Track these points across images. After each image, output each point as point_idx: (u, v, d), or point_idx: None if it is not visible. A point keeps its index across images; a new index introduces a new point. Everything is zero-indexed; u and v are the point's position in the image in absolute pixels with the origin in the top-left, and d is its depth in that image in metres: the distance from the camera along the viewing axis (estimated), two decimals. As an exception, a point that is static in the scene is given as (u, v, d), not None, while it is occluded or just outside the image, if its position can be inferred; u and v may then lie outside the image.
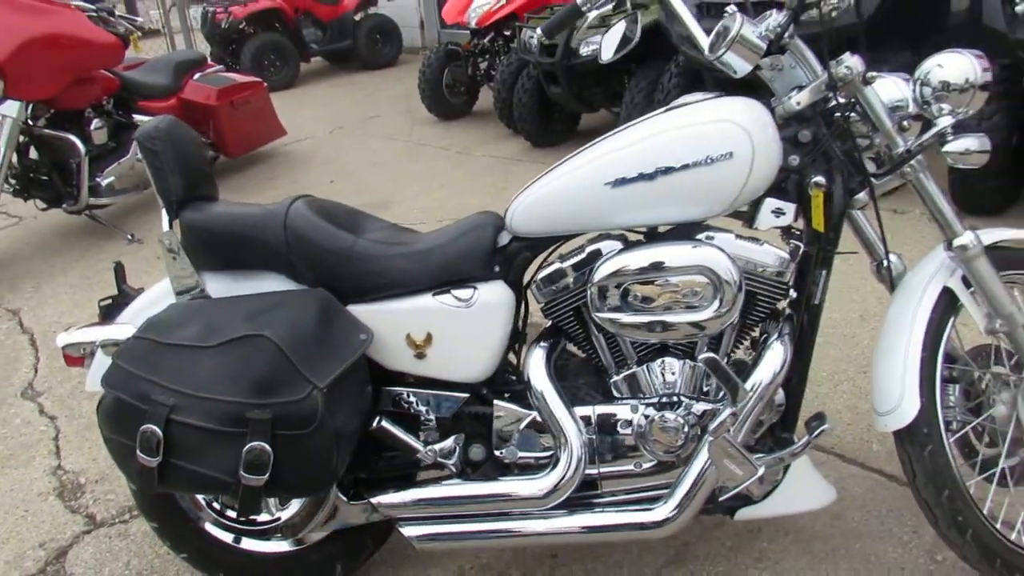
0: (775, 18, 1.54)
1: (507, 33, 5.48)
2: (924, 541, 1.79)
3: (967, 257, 1.53)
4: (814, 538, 1.84)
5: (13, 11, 3.54)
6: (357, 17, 8.22)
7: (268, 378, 1.40)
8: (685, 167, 1.44)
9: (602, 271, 1.49)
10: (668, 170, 1.45)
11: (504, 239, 1.61)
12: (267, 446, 1.39)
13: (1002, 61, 3.04)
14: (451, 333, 1.57)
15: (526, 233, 1.58)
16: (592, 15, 1.82)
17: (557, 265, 1.58)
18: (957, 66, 1.48)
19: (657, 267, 1.46)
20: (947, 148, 1.49)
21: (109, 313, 1.73)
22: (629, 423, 1.57)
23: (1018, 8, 2.82)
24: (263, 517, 1.70)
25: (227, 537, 1.76)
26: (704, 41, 1.58)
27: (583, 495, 1.60)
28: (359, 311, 1.56)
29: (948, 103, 1.48)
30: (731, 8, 1.55)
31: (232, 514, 1.72)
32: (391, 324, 1.57)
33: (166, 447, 1.42)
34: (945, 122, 1.48)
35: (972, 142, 1.48)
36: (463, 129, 5.72)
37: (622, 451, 1.59)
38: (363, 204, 4.09)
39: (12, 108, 3.66)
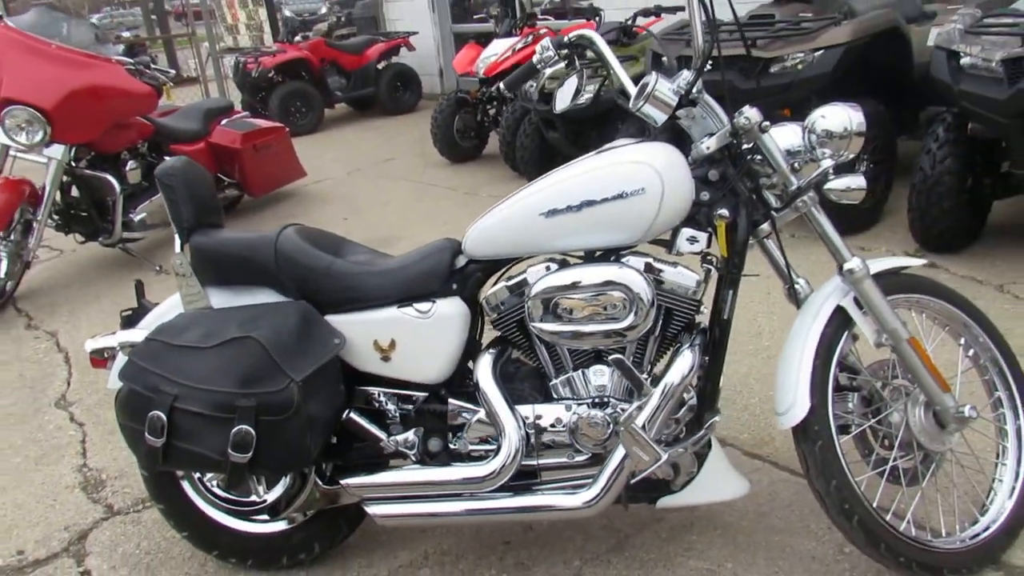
0: (685, 76, 1.81)
1: (512, 83, 5.84)
2: (836, 536, 1.99)
3: (854, 279, 1.77)
4: (739, 532, 2.06)
5: (61, 64, 3.95)
6: (380, 66, 8.69)
7: (253, 372, 1.69)
8: (605, 200, 1.72)
9: (537, 288, 1.76)
10: (591, 203, 1.73)
11: (461, 261, 1.89)
12: (251, 429, 1.68)
13: (951, 110, 3.30)
14: (412, 340, 1.85)
15: (479, 256, 1.86)
16: (548, 71, 2.10)
17: (503, 284, 1.85)
18: (837, 117, 1.75)
19: (581, 285, 1.73)
20: (828, 186, 1.75)
21: (129, 322, 2.03)
22: (563, 421, 1.83)
23: (963, 61, 3.08)
24: (252, 498, 1.97)
25: (222, 518, 2.03)
26: (632, 94, 1.86)
27: (526, 483, 1.86)
28: (335, 320, 1.85)
29: (830, 148, 1.75)
30: (651, 73, 1.82)
31: (227, 495, 2.00)
32: (361, 331, 1.85)
33: (169, 430, 1.71)
34: (827, 164, 1.75)
35: (850, 181, 1.75)
36: (471, 171, 6.07)
37: (558, 445, 1.84)
38: (373, 239, 4.44)
39: (57, 151, 4.07)
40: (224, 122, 5.20)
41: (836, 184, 1.75)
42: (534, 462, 1.85)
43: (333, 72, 8.56)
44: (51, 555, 2.24)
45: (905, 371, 1.85)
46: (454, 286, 1.87)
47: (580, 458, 1.85)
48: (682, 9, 4.92)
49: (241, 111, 5.62)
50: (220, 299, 1.94)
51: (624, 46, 4.90)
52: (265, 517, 1.99)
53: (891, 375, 1.92)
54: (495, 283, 1.90)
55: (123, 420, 1.79)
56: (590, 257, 1.83)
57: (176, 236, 1.97)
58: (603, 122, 4.69)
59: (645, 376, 1.82)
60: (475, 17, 8.80)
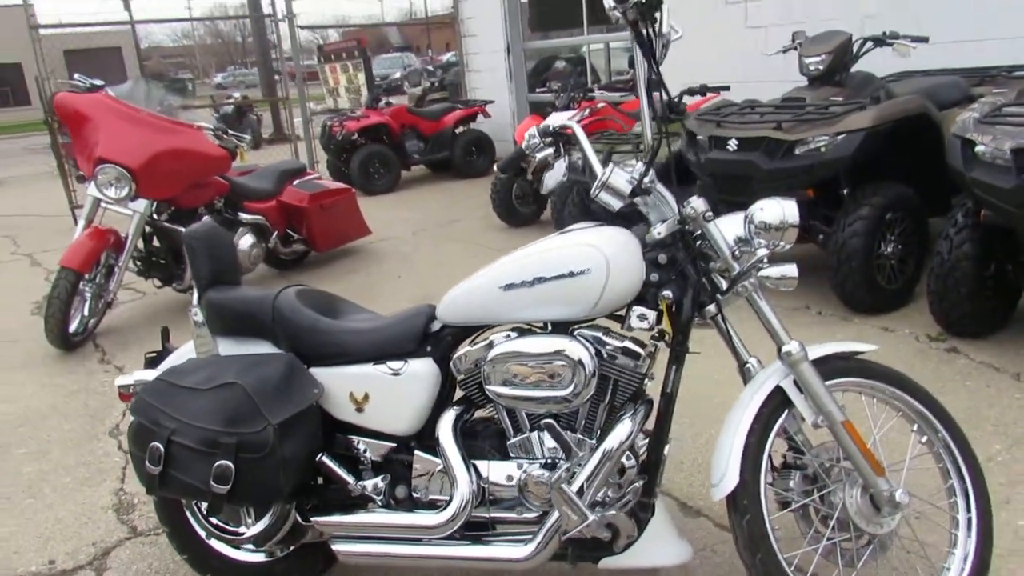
0: (638, 167, 1.98)
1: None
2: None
3: (791, 361, 1.88)
4: (690, 598, 2.14)
5: (148, 129, 4.46)
6: (457, 131, 9.15)
7: (237, 414, 1.92)
8: (554, 278, 1.90)
9: (492, 353, 1.94)
10: (542, 279, 1.91)
11: (437, 326, 2.10)
12: (231, 464, 1.90)
13: (967, 198, 3.32)
14: (383, 395, 2.05)
15: (450, 322, 2.06)
16: (539, 156, 2.30)
17: (467, 348, 2.04)
18: (772, 210, 1.88)
19: (530, 353, 1.90)
20: (762, 273, 1.88)
21: (152, 363, 2.32)
22: (513, 478, 1.98)
23: (976, 149, 3.12)
24: (241, 530, 2.19)
25: (217, 545, 2.26)
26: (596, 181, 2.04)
27: (479, 533, 2.01)
28: (317, 372, 2.08)
29: (765, 238, 1.88)
30: (609, 164, 2.00)
31: (222, 525, 2.23)
32: (339, 384, 2.07)
33: (165, 460, 1.96)
34: (761, 252, 1.88)
35: (783, 270, 1.88)
36: (526, 236, 6.31)
37: (508, 500, 2.00)
38: (421, 297, 4.71)
39: (141, 205, 4.55)
40: (296, 183, 5.64)
41: (770, 272, 1.88)
42: (486, 515, 2.01)
43: (412, 136, 9.07)
44: (76, 567, 2.52)
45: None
46: (428, 348, 2.07)
47: (529, 515, 1.99)
48: (727, 88, 5.10)
49: (313, 173, 6.07)
50: (227, 347, 2.20)
51: (669, 122, 5.07)
52: (251, 547, 2.21)
53: (838, 456, 1.99)
54: (464, 347, 2.09)
55: (132, 448, 2.05)
56: (545, 328, 2.00)
57: (195, 290, 2.26)
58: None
59: (594, 442, 1.95)
60: (538, 90, 9.21)
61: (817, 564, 1.91)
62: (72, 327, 4.40)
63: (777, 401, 1.91)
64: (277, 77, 15.47)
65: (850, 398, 2.04)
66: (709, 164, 4.06)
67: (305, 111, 9.10)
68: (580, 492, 1.89)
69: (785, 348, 1.88)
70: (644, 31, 1.84)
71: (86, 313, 4.51)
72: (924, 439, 2.05)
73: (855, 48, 4.33)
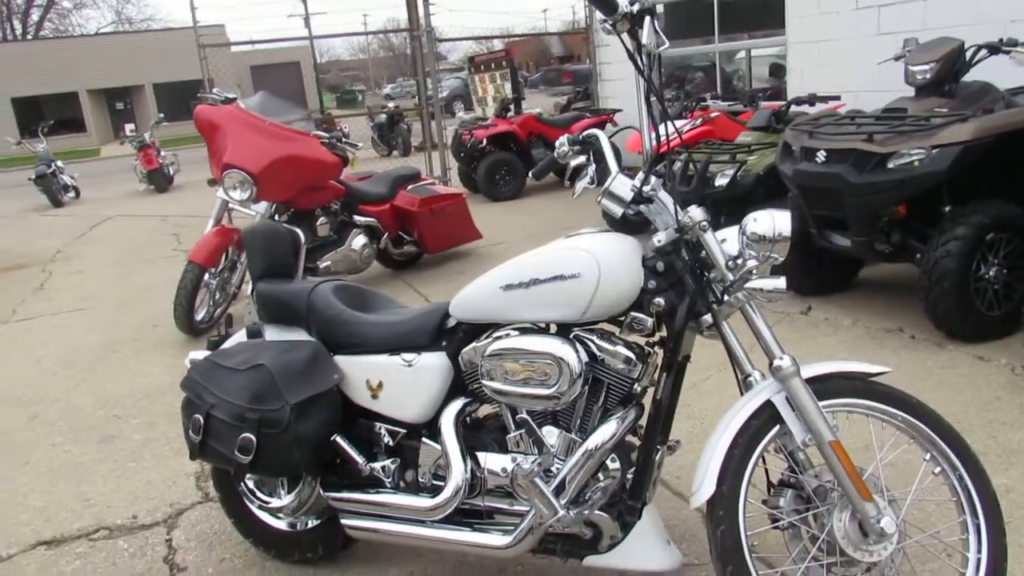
0: (639, 176, 2.02)
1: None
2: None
3: (782, 376, 1.85)
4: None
5: (270, 137, 4.89)
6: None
7: (261, 393, 2.14)
8: (547, 280, 1.97)
9: (488, 350, 2.04)
10: (536, 281, 1.99)
11: (451, 322, 2.23)
12: (253, 437, 2.12)
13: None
14: (396, 384, 2.20)
15: (461, 319, 2.18)
16: (572, 163, 2.38)
17: (474, 344, 2.15)
18: (765, 222, 1.87)
19: (521, 351, 1.99)
20: (749, 285, 1.86)
21: (215, 346, 2.60)
22: (506, 470, 2.07)
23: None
24: (274, 502, 2.41)
25: (258, 512, 2.50)
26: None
27: (473, 520, 2.12)
28: (340, 360, 2.27)
29: (756, 249, 1.87)
30: (616, 172, 2.05)
31: (263, 496, 2.46)
32: (357, 371, 2.24)
33: (204, 430, 2.21)
34: (751, 264, 1.86)
35: (771, 283, 1.85)
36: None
37: (502, 491, 2.08)
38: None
39: (262, 207, 5.00)
40: (409, 188, 5.96)
41: (757, 284, 1.86)
42: (482, 503, 2.11)
43: (539, 144, 9.25)
44: (153, 523, 2.86)
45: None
46: (443, 343, 2.21)
47: (520, 507, 2.07)
48: (837, 98, 4.90)
49: (427, 178, 6.37)
50: (271, 333, 2.43)
51: (775, 132, 4.94)
52: (282, 516, 2.43)
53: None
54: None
55: (183, 419, 2.33)
56: (547, 329, 2.07)
57: (251, 283, 2.52)
58: (738, 204, 4.75)
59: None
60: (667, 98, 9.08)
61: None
62: (199, 316, 4.89)
63: (767, 416, 1.88)
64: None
65: (859, 421, 1.98)
66: (797, 176, 3.93)
67: (439, 121, 9.51)
68: (562, 487, 1.95)
69: (776, 363, 1.86)
70: (636, 42, 1.89)
71: (211, 304, 5.00)
72: (938, 470, 1.94)
73: (968, 56, 4.03)
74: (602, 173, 2.19)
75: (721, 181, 4.73)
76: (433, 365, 2.18)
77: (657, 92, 1.94)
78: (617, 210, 2.02)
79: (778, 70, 8.02)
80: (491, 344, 2.04)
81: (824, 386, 1.90)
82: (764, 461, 2.05)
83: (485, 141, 8.87)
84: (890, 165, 3.57)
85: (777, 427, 1.88)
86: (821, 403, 1.86)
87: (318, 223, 5.36)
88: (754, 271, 1.86)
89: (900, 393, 1.95)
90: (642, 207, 2.04)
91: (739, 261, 1.88)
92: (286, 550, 2.48)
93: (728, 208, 4.83)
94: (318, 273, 5.36)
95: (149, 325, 5.44)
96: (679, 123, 6.10)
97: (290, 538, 2.46)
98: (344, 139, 5.45)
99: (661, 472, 2.13)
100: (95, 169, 19.98)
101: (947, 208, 3.64)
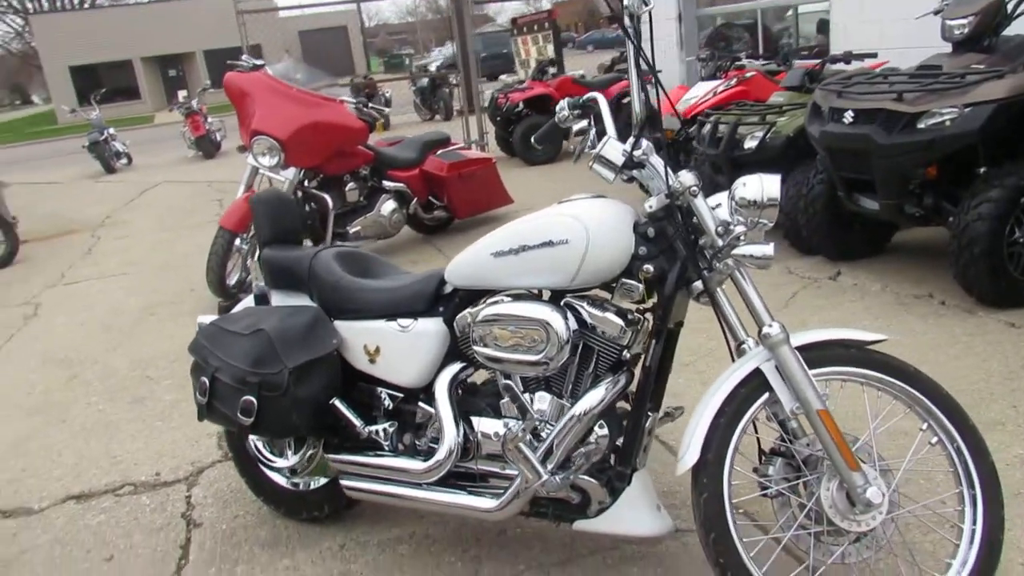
0: (629, 141, 1.98)
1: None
2: None
3: (770, 344, 1.82)
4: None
5: (297, 104, 4.93)
6: (624, 101, 9.09)
7: (261, 357, 2.19)
8: (536, 247, 1.96)
9: (479, 316, 2.05)
10: (525, 248, 1.98)
11: (448, 288, 2.24)
12: (254, 400, 2.18)
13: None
14: (393, 349, 2.23)
15: (456, 285, 2.19)
16: (575, 127, 2.34)
17: (467, 310, 2.16)
18: (754, 186, 1.83)
19: (510, 317, 1.99)
20: (735, 252, 1.82)
21: (225, 311, 2.66)
22: (498, 435, 2.09)
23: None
24: (280, 461, 2.48)
25: (269, 472, 2.58)
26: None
27: (465, 483, 2.15)
28: (339, 325, 2.30)
29: (744, 215, 1.83)
30: (606, 136, 2.02)
31: (270, 455, 2.53)
32: (355, 336, 2.28)
33: (210, 392, 2.28)
34: (739, 230, 1.82)
35: (756, 250, 1.81)
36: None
37: (494, 456, 2.11)
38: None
39: (290, 173, 5.06)
40: (439, 152, 5.95)
41: (743, 251, 1.82)
42: (475, 467, 2.14)
43: (577, 107, 9.11)
44: (175, 480, 2.97)
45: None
46: (440, 308, 2.22)
47: (511, 471, 2.09)
48: (874, 56, 4.71)
49: (457, 143, 6.36)
50: (277, 299, 2.48)
51: (808, 92, 4.78)
52: (287, 476, 2.50)
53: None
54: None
55: (192, 381, 2.40)
56: (540, 295, 2.07)
57: (258, 250, 2.56)
58: (768, 167, 4.62)
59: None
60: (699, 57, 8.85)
61: (787, 559, 1.85)
62: (231, 281, 5.00)
63: (756, 384, 1.86)
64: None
65: (855, 390, 1.94)
66: (824, 137, 3.81)
67: (476, 84, 9.45)
68: (550, 452, 1.97)
69: (764, 330, 1.83)
70: (619, 2, 1.85)
71: (243, 269, 5.10)
72: (935, 440, 1.90)
73: (1009, 8, 3.82)
74: (601, 137, 2.15)
75: (750, 144, 4.61)
76: (429, 331, 2.20)
77: (645, 56, 1.89)
78: (609, 175, 1.99)
79: (825, 27, 7.73)
80: (483, 310, 2.05)
81: (818, 354, 1.87)
82: (756, 429, 2.03)
83: (521, 104, 8.79)
84: (920, 125, 3.43)
85: (766, 395, 1.86)
86: (814, 371, 1.84)
87: (347, 188, 5.41)
88: (742, 237, 1.83)
89: (897, 361, 1.90)
90: (634, 172, 2.00)
91: (730, 227, 1.84)
92: (294, 508, 2.56)
93: (757, 170, 4.71)
94: (347, 238, 5.43)
95: (187, 289, 5.59)
96: (713, 84, 5.96)
97: (297, 497, 2.53)
98: (386, 104, 5.47)
99: (655, 438, 2.12)
100: (148, 136, 20.47)
101: (981, 170, 3.49)
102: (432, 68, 17.25)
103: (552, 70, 10.10)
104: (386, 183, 5.65)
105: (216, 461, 3.07)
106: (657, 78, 1.94)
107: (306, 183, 5.26)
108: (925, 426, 1.90)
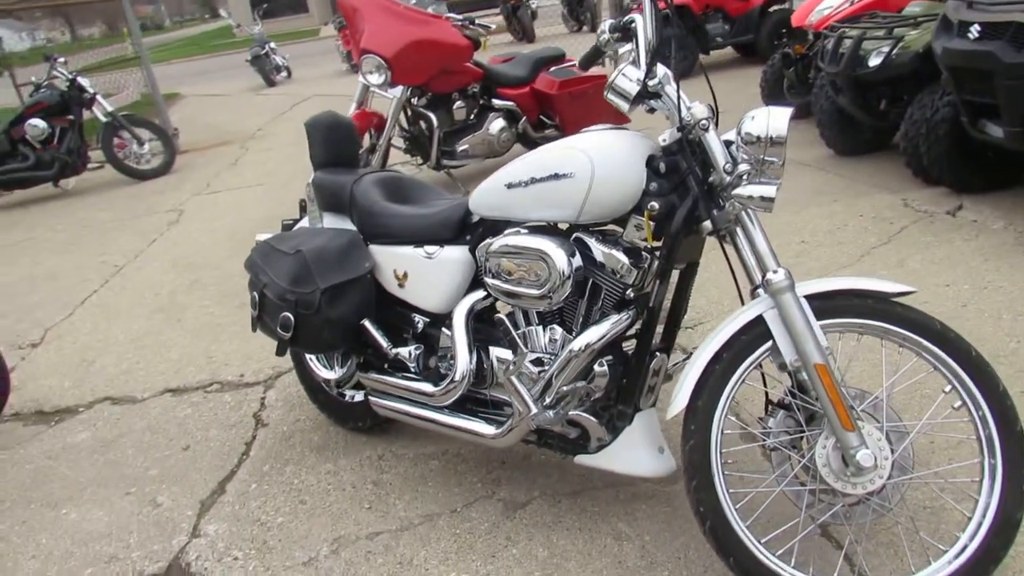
0: (642, 69, 1.87)
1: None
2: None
3: (773, 290, 1.72)
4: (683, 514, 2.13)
5: (403, 21, 4.97)
6: (770, 10, 8.45)
7: (298, 276, 2.32)
8: (543, 179, 1.93)
9: (492, 247, 2.06)
10: (534, 180, 1.96)
11: (475, 217, 2.26)
12: (292, 316, 2.33)
13: None
14: (419, 274, 2.29)
15: (479, 215, 2.20)
16: (621, 51, 2.24)
17: (486, 240, 2.17)
18: (761, 120, 1.69)
19: (515, 249, 1.99)
20: (735, 191, 1.71)
21: (288, 228, 2.82)
22: (507, 365, 2.12)
23: None
24: (327, 373, 2.64)
25: (323, 383, 2.77)
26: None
27: (478, 409, 2.22)
28: (374, 249, 2.39)
29: (749, 152, 1.70)
30: (624, 63, 1.92)
31: (319, 366, 2.71)
32: (387, 261, 2.36)
33: (260, 306, 2.46)
34: (743, 168, 1.71)
35: (758, 190, 1.68)
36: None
37: (502, 384, 2.15)
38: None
39: (397, 90, 5.15)
40: (551, 70, 5.82)
41: (743, 191, 1.70)
42: (487, 392, 2.20)
43: (717, 18, 8.58)
44: (255, 382, 3.25)
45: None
46: (467, 237, 2.25)
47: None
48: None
49: (571, 60, 6.18)
50: (329, 221, 2.60)
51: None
52: (335, 387, 2.67)
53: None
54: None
55: (250, 294, 2.59)
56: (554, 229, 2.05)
57: (312, 170, 2.68)
58: (893, 86, 4.20)
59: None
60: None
61: (776, 515, 1.80)
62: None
63: (758, 332, 1.77)
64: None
65: (874, 345, 1.80)
66: (947, 55, 3.39)
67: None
68: (548, 386, 1.98)
69: (768, 276, 1.73)
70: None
71: (354, 183, 5.31)
72: (958, 404, 1.74)
73: None
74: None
75: (874, 61, 4.17)
76: (453, 258, 2.23)
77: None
78: (624, 106, 1.90)
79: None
80: (495, 241, 2.06)
81: (831, 304, 1.75)
82: (764, 381, 1.95)
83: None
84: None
85: (768, 343, 1.77)
86: (823, 321, 1.73)
87: (455, 107, 5.44)
88: (745, 176, 1.71)
89: (921, 316, 1.75)
90: (652, 103, 1.90)
91: (737, 164, 1.73)
92: (342, 417, 2.74)
93: (886, 93, 4.30)
94: (456, 157, 5.51)
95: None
96: (847, -6, 5.39)
97: (344, 407, 2.71)
98: (532, 16, 5.41)
99: (664, 379, 2.07)
100: (312, 49, 21.32)
101: None
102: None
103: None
104: (495, 101, 5.63)
105: (292, 367, 3.31)
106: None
107: (414, 101, 5.34)
108: (949, 388, 1.74)
